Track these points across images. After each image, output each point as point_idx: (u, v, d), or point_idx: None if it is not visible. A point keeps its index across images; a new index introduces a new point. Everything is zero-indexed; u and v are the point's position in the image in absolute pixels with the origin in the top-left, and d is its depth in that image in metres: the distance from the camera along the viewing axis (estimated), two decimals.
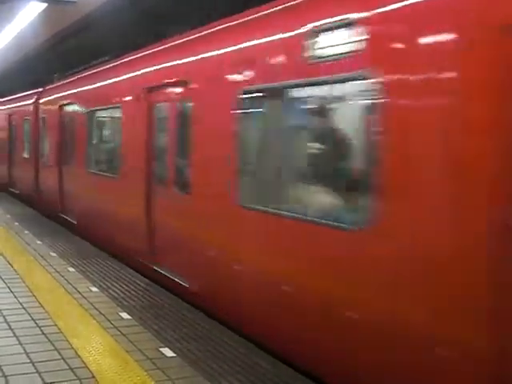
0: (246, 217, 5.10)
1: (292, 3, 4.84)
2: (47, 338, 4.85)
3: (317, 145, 4.69)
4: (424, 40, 3.48)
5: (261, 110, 5.22)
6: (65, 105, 11.54)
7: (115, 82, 8.92)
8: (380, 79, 3.65)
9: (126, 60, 8.88)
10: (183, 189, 6.39)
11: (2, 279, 6.71)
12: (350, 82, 4.10)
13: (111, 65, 9.55)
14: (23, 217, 12.08)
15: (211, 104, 5.78)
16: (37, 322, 5.24)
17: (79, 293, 6.28)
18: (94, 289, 6.48)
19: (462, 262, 3.19)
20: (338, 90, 4.30)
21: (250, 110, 5.21)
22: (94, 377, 4.11)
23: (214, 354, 4.68)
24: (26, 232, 10.05)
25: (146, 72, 7.67)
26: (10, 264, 7.50)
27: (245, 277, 5.17)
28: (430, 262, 3.34)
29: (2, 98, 19.24)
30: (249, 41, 5.28)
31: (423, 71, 3.44)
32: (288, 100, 4.89)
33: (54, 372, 4.17)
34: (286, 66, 4.72)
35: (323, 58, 4.20)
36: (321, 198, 4.54)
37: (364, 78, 3.79)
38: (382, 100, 3.64)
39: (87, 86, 10.39)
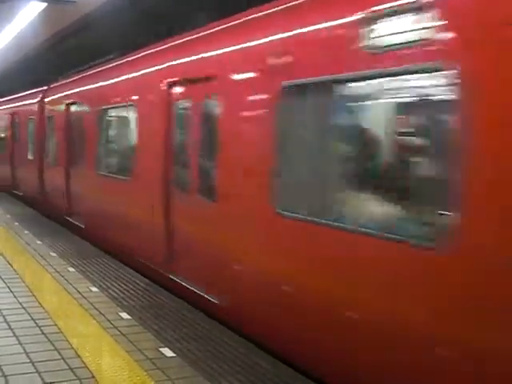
0: (286, 226, 4.52)
1: None
2: (47, 337, 4.85)
3: (383, 145, 4.02)
4: None
5: (308, 105, 4.57)
6: (73, 103, 11.05)
7: (129, 78, 8.34)
8: (466, 71, 3.13)
9: (140, 55, 8.27)
10: (209, 194, 5.79)
11: (2, 279, 6.71)
12: (425, 74, 3.52)
13: (122, 61, 9.01)
14: (23, 217, 12.07)
15: (245, 101, 5.20)
16: (37, 321, 5.24)
17: (79, 293, 6.28)
18: (94, 289, 6.48)
19: None
20: (408, 82, 3.69)
21: (294, 106, 4.65)
22: (93, 377, 4.10)
23: (214, 354, 4.68)
24: (26, 232, 10.04)
25: (167, 66, 7.04)
26: (9, 264, 7.49)
27: (293, 298, 4.48)
28: None
29: (3, 97, 19.13)
30: (291, 30, 4.68)
31: None
32: (341, 95, 4.24)
33: (53, 372, 4.17)
34: (340, 57, 4.10)
35: (388, 46, 3.63)
36: (388, 208, 3.86)
37: (446, 69, 3.26)
38: (469, 95, 3.13)
39: (97, 83, 9.86)
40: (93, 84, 10.12)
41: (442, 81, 3.32)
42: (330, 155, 4.39)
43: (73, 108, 11.09)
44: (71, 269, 7.39)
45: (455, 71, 3.19)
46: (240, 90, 5.29)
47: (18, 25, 15.11)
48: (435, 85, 3.46)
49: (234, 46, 5.53)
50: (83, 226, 10.14)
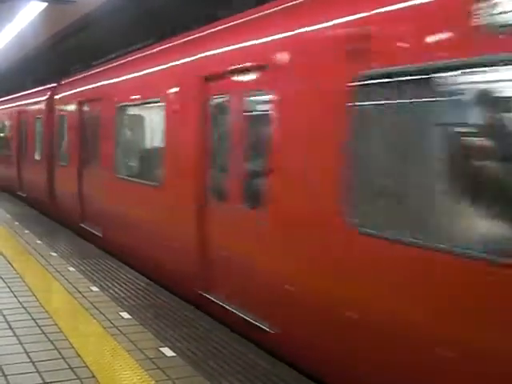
0: (365, 246, 3.78)
1: None
2: (47, 337, 4.86)
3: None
4: None
5: (395, 101, 3.67)
6: (86, 100, 10.14)
7: (155, 71, 7.46)
8: None
9: (166, 46, 7.42)
10: (256, 204, 5.11)
11: (2, 279, 6.71)
12: None
13: (146, 53, 8.08)
14: (23, 216, 12.07)
15: (306, 96, 4.45)
16: (37, 321, 5.25)
17: (79, 292, 6.28)
18: (95, 288, 6.49)
19: None
20: None
21: (376, 103, 3.81)
22: (94, 376, 4.11)
23: (214, 354, 4.68)
24: (26, 231, 10.05)
25: (203, 57, 6.17)
26: (10, 264, 7.50)
27: (365, 329, 3.77)
28: None
29: (5, 96, 18.99)
30: (368, 10, 3.89)
31: None
32: (442, 87, 3.34)
33: (54, 371, 4.18)
34: (447, 39, 3.29)
35: None
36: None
37: None
38: None
39: (115, 77, 8.92)
40: (110, 79, 9.25)
41: None
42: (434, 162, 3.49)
43: (87, 105, 10.25)
44: (71, 268, 7.40)
45: None
46: (299, 83, 4.54)
47: (19, 24, 15.10)
48: None
49: (291, 30, 4.69)
50: (101, 235, 9.20)
